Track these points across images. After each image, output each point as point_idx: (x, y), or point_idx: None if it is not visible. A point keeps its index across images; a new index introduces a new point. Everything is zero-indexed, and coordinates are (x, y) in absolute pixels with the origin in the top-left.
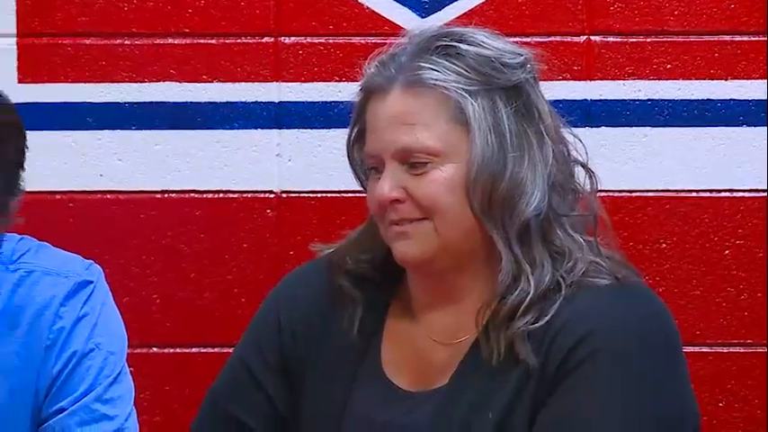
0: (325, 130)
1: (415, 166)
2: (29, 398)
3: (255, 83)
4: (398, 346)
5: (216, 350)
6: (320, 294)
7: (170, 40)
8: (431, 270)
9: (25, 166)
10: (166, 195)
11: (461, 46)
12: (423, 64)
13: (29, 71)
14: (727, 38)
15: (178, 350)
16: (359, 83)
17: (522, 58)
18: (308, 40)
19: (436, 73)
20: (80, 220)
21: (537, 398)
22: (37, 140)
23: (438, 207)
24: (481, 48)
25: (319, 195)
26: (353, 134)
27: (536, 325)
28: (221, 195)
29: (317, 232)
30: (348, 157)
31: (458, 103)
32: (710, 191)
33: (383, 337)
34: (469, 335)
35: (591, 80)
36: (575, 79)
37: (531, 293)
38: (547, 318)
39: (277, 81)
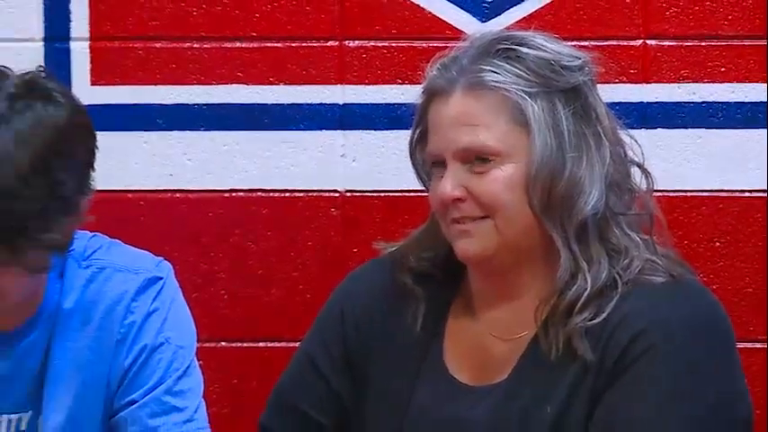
0: (388, 132)
1: (476, 166)
2: (101, 390)
3: (321, 85)
4: (460, 342)
5: (282, 344)
6: (384, 291)
7: (238, 44)
8: (491, 267)
9: (96, 165)
10: (234, 194)
11: (521, 49)
12: (484, 66)
13: (102, 74)
14: None
15: (245, 344)
16: (421, 85)
17: (580, 61)
18: (372, 43)
19: (497, 75)
20: (150, 218)
21: (594, 393)
22: (109, 141)
23: (498, 205)
24: (541, 51)
25: (383, 195)
26: (416, 135)
27: (593, 321)
28: (287, 195)
29: (380, 231)
30: (411, 157)
31: (518, 105)
32: (763, 191)
33: (445, 333)
34: (528, 331)
35: (647, 83)
36: (631, 82)
37: (589, 290)
38: (604, 314)
39: (341, 84)
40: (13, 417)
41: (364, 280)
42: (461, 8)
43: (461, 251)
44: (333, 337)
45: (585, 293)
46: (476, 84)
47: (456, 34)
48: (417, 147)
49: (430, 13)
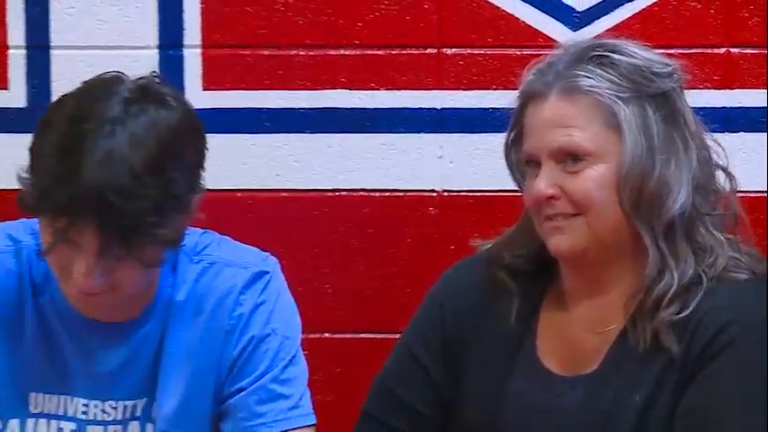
0: (483, 135)
1: (569, 165)
2: (211, 378)
3: (419, 90)
4: (552, 334)
5: (382, 336)
6: (479, 286)
7: (341, 51)
8: (582, 262)
9: (207, 165)
10: (337, 194)
11: (614, 56)
12: (579, 72)
13: (213, 79)
14: None
15: (348, 336)
16: (517, 90)
17: (670, 68)
18: (468, 51)
19: (591, 80)
20: (258, 216)
21: (679, 384)
22: (220, 143)
23: (591, 204)
24: (633, 58)
25: (478, 194)
26: (511, 137)
27: (679, 315)
28: (387, 194)
29: (475, 228)
30: (506, 158)
31: (610, 108)
32: None
33: (538, 325)
34: (617, 324)
35: (730, 89)
36: (715, 88)
37: (675, 286)
38: (689, 309)
39: (439, 89)
40: (129, 403)
41: (461, 276)
42: (553, 18)
43: (554, 246)
44: (431, 330)
45: (672, 289)
46: (571, 88)
47: (548, 42)
48: (512, 148)
49: (523, 22)
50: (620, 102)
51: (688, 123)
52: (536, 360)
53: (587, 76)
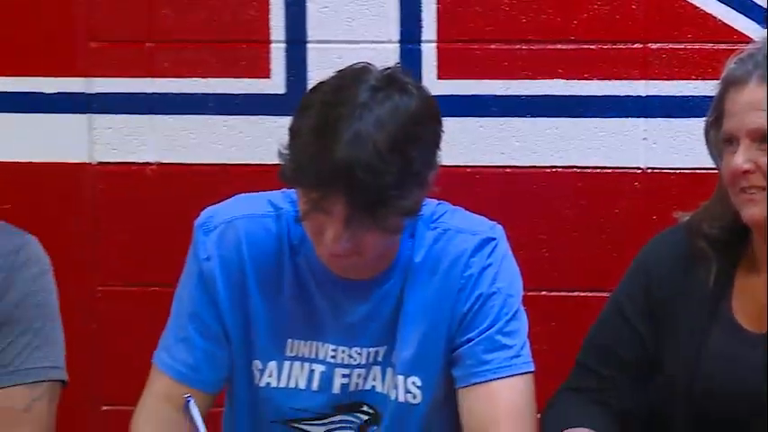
0: (683, 119)
1: (765, 144)
2: (443, 330)
3: (627, 80)
4: (745, 296)
5: (592, 294)
6: (681, 253)
7: (558, 46)
8: None
9: (442, 145)
10: (554, 170)
11: None
12: None
13: (446, 69)
14: None
15: (562, 293)
16: (713, 80)
17: None
18: (671, 45)
19: None
20: (485, 188)
21: None
22: (452, 125)
23: None
24: None
25: (678, 171)
26: (711, 119)
27: None
28: (598, 171)
29: (675, 201)
30: (705, 137)
31: None
32: None
33: (733, 289)
34: None
35: None
36: None
37: None
38: None
39: (644, 79)
40: (372, 350)
41: (665, 243)
42: (746, 16)
43: (749, 216)
44: (638, 289)
45: None
46: None
47: (740, 38)
48: (711, 129)
49: (719, 20)
50: None
51: None
52: (731, 318)
53: None
